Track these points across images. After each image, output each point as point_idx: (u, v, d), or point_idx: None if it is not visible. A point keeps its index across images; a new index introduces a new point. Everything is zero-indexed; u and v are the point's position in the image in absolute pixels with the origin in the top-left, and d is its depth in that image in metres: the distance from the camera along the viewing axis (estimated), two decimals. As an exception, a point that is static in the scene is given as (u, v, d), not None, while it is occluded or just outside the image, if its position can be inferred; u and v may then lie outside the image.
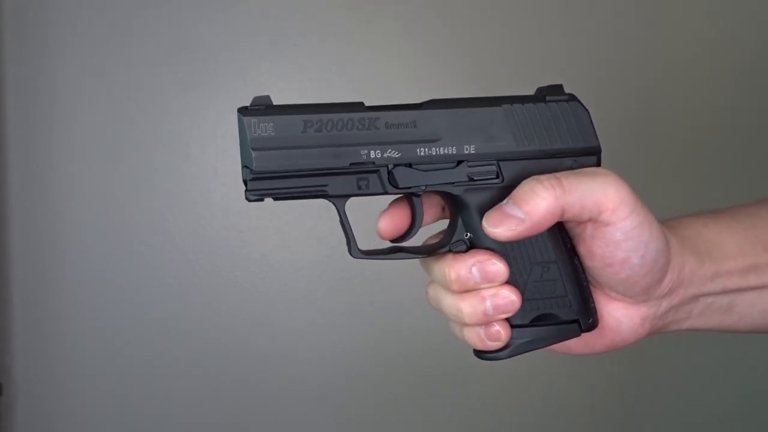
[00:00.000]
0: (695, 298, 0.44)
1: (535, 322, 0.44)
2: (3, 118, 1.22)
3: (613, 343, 0.45)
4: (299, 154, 0.40)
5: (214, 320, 1.28)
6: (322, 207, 1.22)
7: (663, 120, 1.29)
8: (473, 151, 0.43)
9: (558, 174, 0.41)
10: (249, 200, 0.41)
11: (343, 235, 0.44)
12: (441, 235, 0.46)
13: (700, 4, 1.29)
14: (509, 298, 0.42)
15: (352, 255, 0.43)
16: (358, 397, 1.31)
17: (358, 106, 0.42)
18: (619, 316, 0.44)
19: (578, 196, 0.39)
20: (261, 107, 0.41)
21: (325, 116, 0.41)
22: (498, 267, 0.42)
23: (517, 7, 1.28)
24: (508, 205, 0.40)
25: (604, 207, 0.40)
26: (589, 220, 0.41)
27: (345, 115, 0.41)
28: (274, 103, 0.41)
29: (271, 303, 1.29)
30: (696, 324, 0.46)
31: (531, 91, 0.47)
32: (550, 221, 0.40)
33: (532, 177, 0.41)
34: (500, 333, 0.43)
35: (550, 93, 0.45)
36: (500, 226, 0.40)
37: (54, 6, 1.22)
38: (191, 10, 1.25)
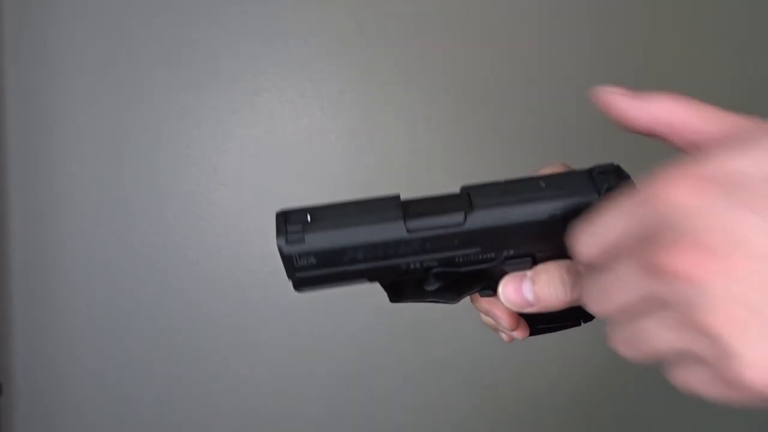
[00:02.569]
0: None
1: (543, 326, 0.48)
2: (3, 117, 1.22)
3: None
4: (341, 275, 0.42)
5: (214, 320, 1.28)
6: (322, 207, 1.22)
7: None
8: (512, 254, 0.42)
9: (582, 271, 0.39)
10: (298, 292, 0.44)
11: None
12: None
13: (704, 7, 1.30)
14: (517, 337, 0.47)
15: (391, 301, 0.46)
16: (358, 396, 1.31)
17: (395, 215, 0.41)
18: None
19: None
20: (298, 229, 0.40)
21: (365, 239, 0.41)
22: (506, 325, 0.46)
23: (520, 9, 1.28)
24: (526, 284, 0.41)
25: None
26: None
27: (385, 237, 0.41)
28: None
29: (271, 303, 1.29)
30: None
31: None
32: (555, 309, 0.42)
33: (561, 265, 0.41)
34: (502, 336, 0.49)
35: (605, 184, 0.39)
36: (512, 301, 0.42)
37: (54, 7, 1.22)
38: (191, 10, 1.25)
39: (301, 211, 0.41)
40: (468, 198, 0.41)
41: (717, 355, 0.28)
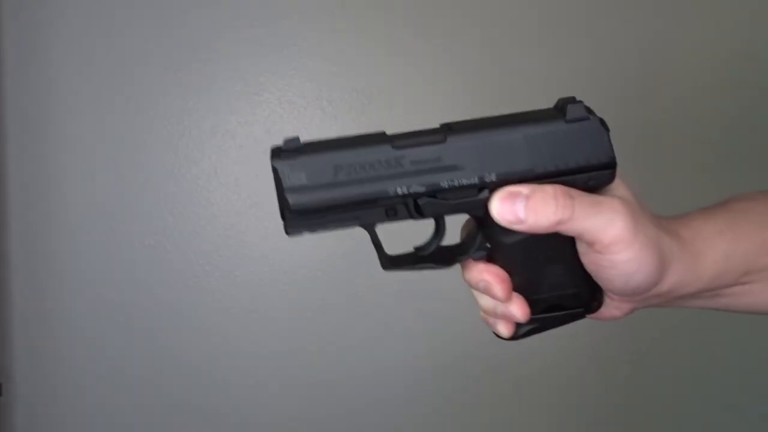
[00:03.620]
0: (684, 298, 0.47)
1: (545, 312, 0.47)
2: (3, 117, 1.22)
3: (599, 318, 0.49)
4: (331, 195, 0.43)
5: (214, 320, 1.28)
6: (322, 207, 1.22)
7: (678, 115, 1.29)
8: (494, 179, 0.44)
9: (576, 197, 0.42)
10: (289, 235, 0.45)
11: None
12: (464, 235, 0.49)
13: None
14: (515, 315, 0.46)
15: (384, 269, 0.47)
16: (358, 394, 1.31)
17: (381, 139, 0.44)
18: (608, 305, 0.48)
19: (580, 227, 0.42)
20: (292, 151, 0.43)
21: (353, 159, 0.43)
22: (498, 292, 0.46)
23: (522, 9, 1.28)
24: (519, 201, 0.43)
25: (598, 242, 0.42)
26: (584, 242, 0.44)
27: (372, 157, 0.44)
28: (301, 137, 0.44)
29: (271, 303, 1.29)
30: (683, 304, 0.49)
31: (545, 97, 0.48)
32: (545, 232, 0.43)
33: (556, 187, 0.43)
34: (502, 332, 0.48)
35: (570, 111, 0.44)
36: (503, 215, 0.43)
37: (53, 7, 1.22)
38: (191, 10, 1.25)
39: (295, 140, 0.44)
40: (448, 127, 0.45)
41: None
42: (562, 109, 0.44)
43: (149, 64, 1.24)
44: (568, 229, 0.42)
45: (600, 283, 0.45)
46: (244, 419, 1.30)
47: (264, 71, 1.27)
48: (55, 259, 1.25)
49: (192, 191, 1.26)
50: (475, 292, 0.48)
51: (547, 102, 0.46)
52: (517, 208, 0.42)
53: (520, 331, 0.48)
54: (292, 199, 0.43)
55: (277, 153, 0.43)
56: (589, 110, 0.44)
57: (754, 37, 1.31)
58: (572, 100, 0.44)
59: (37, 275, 1.25)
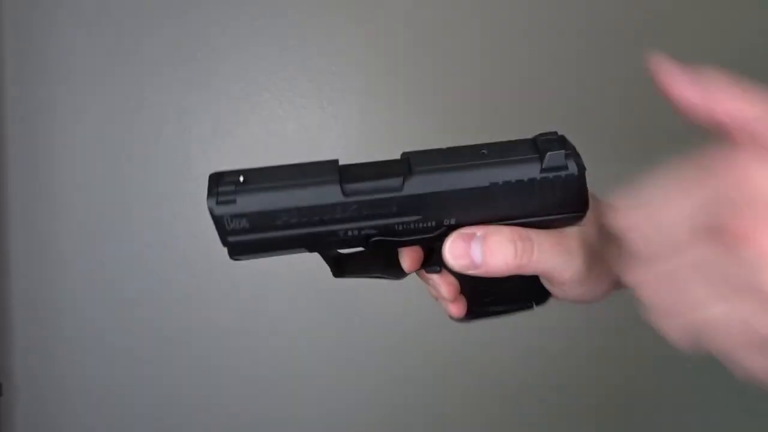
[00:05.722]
0: None
1: (497, 303, 0.47)
2: (3, 117, 1.22)
3: (593, 296, 0.47)
4: (276, 236, 0.40)
5: (213, 320, 1.28)
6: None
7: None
8: (453, 223, 0.40)
9: (534, 238, 0.40)
10: (234, 259, 0.42)
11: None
12: None
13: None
14: (453, 313, 0.48)
15: (334, 276, 0.45)
16: (358, 394, 1.31)
17: (331, 178, 0.39)
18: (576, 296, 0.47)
19: (537, 268, 0.41)
20: (230, 192, 0.39)
21: (300, 202, 0.39)
22: (445, 294, 0.47)
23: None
24: (475, 244, 0.40)
25: (555, 280, 0.42)
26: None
27: (321, 201, 0.39)
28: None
29: (271, 303, 1.29)
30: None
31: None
32: (501, 276, 0.41)
33: (513, 229, 0.40)
34: (452, 312, 0.49)
35: (548, 160, 0.39)
36: (458, 260, 0.40)
37: (53, 7, 1.22)
38: (191, 10, 1.25)
39: (235, 173, 0.40)
40: (408, 163, 0.39)
41: None
42: (540, 151, 0.39)
43: (149, 64, 1.24)
44: (524, 271, 0.41)
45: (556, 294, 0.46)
46: (245, 419, 1.30)
47: (264, 71, 1.27)
48: (55, 258, 1.25)
49: (192, 191, 1.26)
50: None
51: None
52: (472, 253, 0.40)
53: (471, 314, 0.48)
54: (233, 239, 0.40)
55: (214, 186, 0.39)
56: (568, 154, 0.39)
57: (757, 28, 1.31)
58: (553, 140, 0.39)
59: (37, 275, 1.25)
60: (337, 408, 1.32)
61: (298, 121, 1.26)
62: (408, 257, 0.45)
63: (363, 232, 0.40)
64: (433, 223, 0.40)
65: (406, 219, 0.40)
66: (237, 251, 0.40)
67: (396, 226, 0.40)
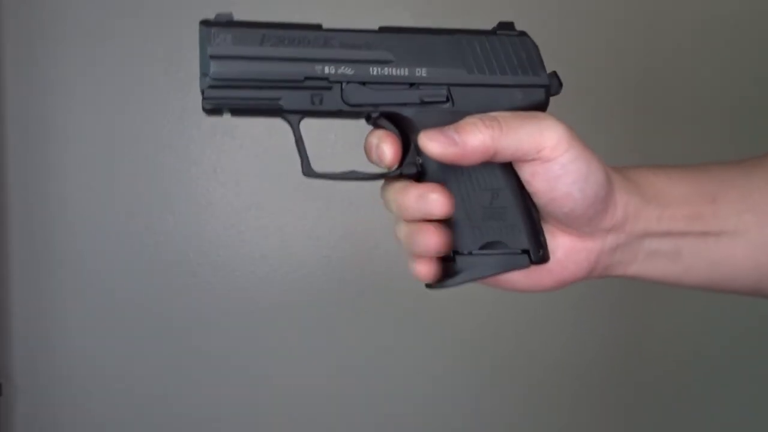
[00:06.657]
0: (641, 238, 0.46)
1: (484, 249, 0.44)
2: (2, 117, 1.22)
3: (561, 278, 0.46)
4: (256, 65, 0.43)
5: (213, 320, 1.28)
6: (322, 207, 1.22)
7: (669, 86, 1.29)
8: (424, 75, 0.44)
9: (499, 115, 0.42)
10: (205, 109, 0.43)
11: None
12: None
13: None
14: (427, 243, 0.44)
15: (304, 173, 0.46)
16: (358, 394, 1.31)
17: (316, 27, 0.45)
18: (565, 249, 0.46)
19: (514, 140, 0.41)
20: (222, 21, 0.44)
21: (282, 32, 0.45)
22: (437, 199, 0.43)
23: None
24: (447, 128, 0.42)
25: (542, 146, 0.41)
26: (530, 160, 0.42)
27: (302, 33, 0.45)
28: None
29: (271, 303, 1.29)
30: (642, 270, 0.47)
31: None
32: (481, 157, 0.42)
33: (475, 115, 0.43)
34: (422, 273, 0.45)
35: (501, 29, 0.46)
36: (434, 141, 0.42)
37: (52, 6, 1.22)
38: (191, 9, 1.24)
39: (228, 14, 0.45)
40: (385, 27, 0.46)
41: None
42: (495, 28, 0.47)
43: (149, 64, 1.24)
44: (503, 148, 0.41)
45: (555, 208, 0.43)
46: (244, 418, 1.30)
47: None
48: (54, 258, 1.25)
49: (192, 191, 1.26)
50: (397, 222, 0.45)
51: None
52: (445, 131, 0.42)
53: (458, 273, 0.44)
54: (214, 66, 0.42)
55: (206, 22, 0.44)
56: (522, 31, 0.46)
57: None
58: (509, 24, 0.47)
59: (37, 275, 1.25)
60: (338, 408, 1.32)
61: (298, 121, 1.26)
62: (389, 147, 0.47)
63: (340, 71, 0.43)
64: (406, 71, 0.44)
65: (379, 63, 0.44)
66: (214, 85, 0.42)
67: (371, 69, 0.44)
